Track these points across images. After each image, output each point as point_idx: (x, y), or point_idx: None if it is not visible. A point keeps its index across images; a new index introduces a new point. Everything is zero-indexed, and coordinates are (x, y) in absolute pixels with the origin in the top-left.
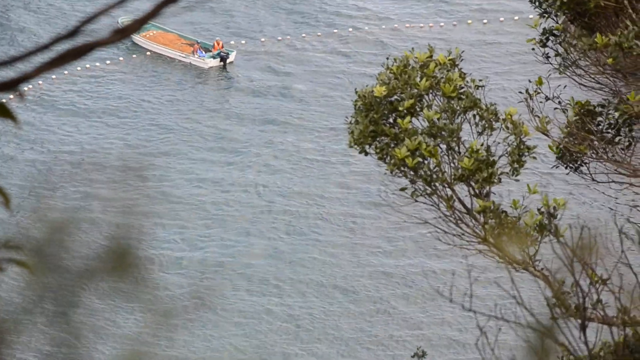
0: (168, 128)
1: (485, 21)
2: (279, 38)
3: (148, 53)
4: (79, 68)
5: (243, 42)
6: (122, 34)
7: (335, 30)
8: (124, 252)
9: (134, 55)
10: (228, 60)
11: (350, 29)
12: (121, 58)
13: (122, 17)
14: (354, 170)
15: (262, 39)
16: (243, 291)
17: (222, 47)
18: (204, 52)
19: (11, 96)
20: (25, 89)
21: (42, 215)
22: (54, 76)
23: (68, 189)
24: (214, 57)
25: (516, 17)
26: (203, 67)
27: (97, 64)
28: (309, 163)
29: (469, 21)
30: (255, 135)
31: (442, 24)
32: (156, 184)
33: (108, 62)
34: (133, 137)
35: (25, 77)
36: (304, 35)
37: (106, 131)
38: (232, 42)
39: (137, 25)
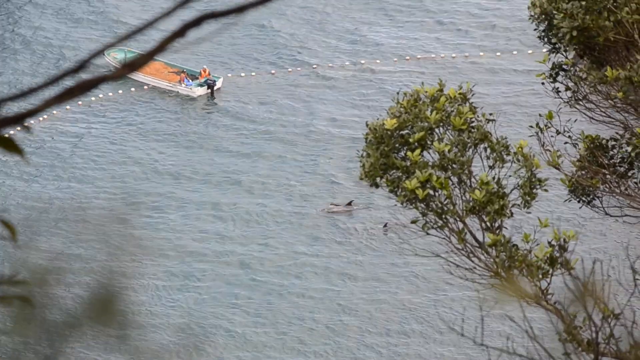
0: (156, 164)
1: (498, 54)
2: (272, 71)
3: (132, 89)
4: None
5: (233, 74)
6: (130, 68)
7: (331, 65)
8: (109, 300)
9: (120, 90)
10: (215, 88)
11: (348, 63)
12: (101, 95)
13: (109, 50)
14: (354, 200)
15: (252, 74)
16: (235, 337)
17: (209, 74)
18: (190, 81)
19: (18, 129)
20: (32, 122)
21: (27, 256)
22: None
23: (54, 229)
24: (201, 85)
25: (530, 51)
26: (191, 96)
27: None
28: (305, 198)
29: (481, 53)
30: (245, 170)
31: (453, 55)
32: (143, 223)
33: (93, 98)
34: (119, 175)
35: (33, 112)
36: (299, 68)
37: (90, 168)
38: (231, 72)
39: (145, 59)
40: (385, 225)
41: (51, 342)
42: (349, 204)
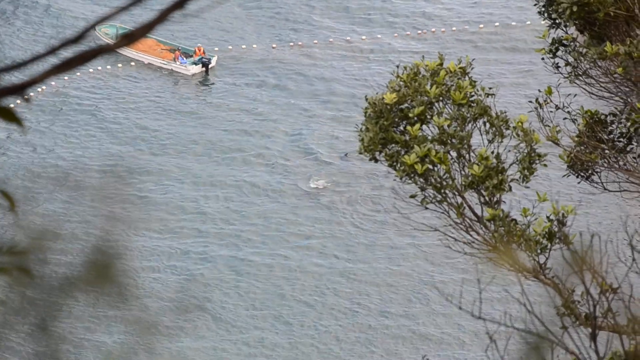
0: (150, 138)
1: (497, 24)
2: (273, 45)
3: (132, 64)
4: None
5: (230, 47)
6: (129, 39)
7: (331, 40)
8: (106, 263)
9: (120, 64)
10: (210, 66)
11: (348, 38)
12: (99, 67)
13: (101, 26)
14: (351, 175)
15: (248, 45)
16: (229, 302)
17: (204, 53)
18: (185, 59)
19: (18, 101)
20: (32, 94)
21: (23, 224)
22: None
23: (49, 198)
24: (195, 63)
25: (528, 22)
26: (186, 74)
27: (78, 73)
28: (300, 171)
29: (481, 26)
30: (241, 145)
31: (454, 28)
32: (137, 193)
33: (91, 70)
34: (115, 148)
35: (32, 82)
36: (291, 44)
37: (87, 141)
38: (216, 48)
39: (144, 30)
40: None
41: (46, 307)
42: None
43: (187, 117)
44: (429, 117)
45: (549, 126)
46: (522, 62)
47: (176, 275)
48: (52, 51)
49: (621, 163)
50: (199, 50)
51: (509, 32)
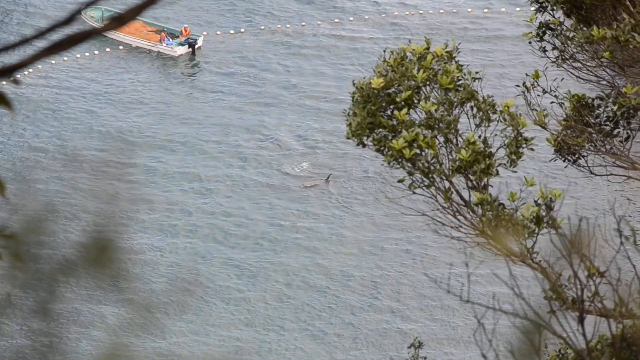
0: (139, 123)
1: (485, 10)
2: (262, 27)
3: (121, 47)
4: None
5: (218, 32)
6: (119, 22)
7: (319, 22)
8: (104, 245)
9: (107, 48)
10: (196, 46)
11: (337, 20)
12: (87, 54)
13: (88, 10)
14: (342, 157)
15: (239, 30)
16: (225, 285)
17: (189, 33)
18: (171, 40)
19: (4, 82)
20: (19, 75)
21: (20, 208)
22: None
23: (44, 183)
24: (181, 44)
25: (518, 9)
26: (172, 55)
27: (65, 58)
28: (292, 157)
29: (469, 9)
30: (219, 138)
31: (441, 11)
32: (132, 178)
33: (78, 55)
34: (104, 132)
35: (22, 64)
36: (279, 26)
37: (76, 126)
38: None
39: (134, 13)
40: (327, 178)
41: (47, 288)
42: (327, 179)
43: (168, 109)
44: (416, 101)
45: (536, 110)
46: (508, 49)
47: (159, 269)
48: (42, 34)
49: (608, 147)
50: (185, 31)
51: (497, 18)
